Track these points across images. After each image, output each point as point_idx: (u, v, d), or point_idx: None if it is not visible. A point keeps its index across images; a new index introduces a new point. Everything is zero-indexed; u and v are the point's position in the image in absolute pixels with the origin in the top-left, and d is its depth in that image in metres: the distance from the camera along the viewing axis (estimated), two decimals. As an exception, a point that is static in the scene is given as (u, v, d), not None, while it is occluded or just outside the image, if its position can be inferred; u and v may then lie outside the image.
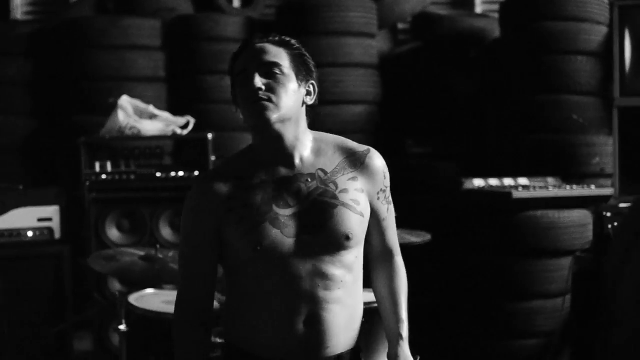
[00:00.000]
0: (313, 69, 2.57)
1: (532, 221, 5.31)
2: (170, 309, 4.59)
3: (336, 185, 2.52)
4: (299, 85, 2.51)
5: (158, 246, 4.48)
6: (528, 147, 6.10)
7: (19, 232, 5.36)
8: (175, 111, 6.13)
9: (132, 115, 5.76)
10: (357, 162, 2.57)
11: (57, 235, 5.45)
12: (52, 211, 5.45)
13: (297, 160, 2.54)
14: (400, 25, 7.61)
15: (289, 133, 2.50)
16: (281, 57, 2.50)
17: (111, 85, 6.37)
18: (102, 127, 5.79)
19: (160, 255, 4.38)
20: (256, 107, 2.45)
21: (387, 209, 2.63)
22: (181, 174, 5.63)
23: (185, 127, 5.84)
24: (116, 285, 5.53)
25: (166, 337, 4.48)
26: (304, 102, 2.53)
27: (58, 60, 6.68)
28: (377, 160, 2.59)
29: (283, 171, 2.53)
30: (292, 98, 2.47)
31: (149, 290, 4.95)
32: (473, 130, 6.78)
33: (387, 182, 2.61)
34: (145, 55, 6.58)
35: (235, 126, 6.53)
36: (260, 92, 2.45)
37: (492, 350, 5.50)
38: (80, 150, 5.56)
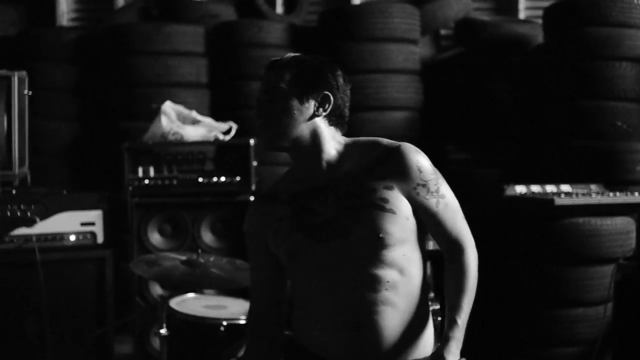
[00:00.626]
0: (327, 79, 2.60)
1: (575, 228, 5.26)
2: (211, 313, 4.67)
3: (363, 187, 2.55)
4: (303, 101, 2.57)
5: (199, 251, 4.51)
6: (571, 153, 6.05)
7: (62, 236, 5.41)
8: (218, 117, 6.17)
9: (175, 120, 5.81)
10: (386, 160, 2.58)
11: (100, 239, 5.49)
12: (95, 215, 5.48)
13: (324, 169, 2.62)
14: (443, 31, 7.58)
15: (306, 147, 2.60)
16: (282, 80, 2.58)
17: (154, 91, 6.44)
18: (145, 132, 5.84)
19: (202, 260, 4.40)
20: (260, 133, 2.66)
21: (436, 203, 2.58)
22: (223, 179, 5.67)
23: (227, 132, 5.87)
24: (157, 290, 5.58)
25: (206, 342, 4.55)
26: (315, 115, 2.59)
27: (102, 66, 6.76)
28: (408, 156, 2.57)
29: (313, 182, 2.63)
30: (289, 115, 2.56)
31: (190, 295, 4.99)
32: (515, 136, 6.75)
33: (427, 176, 2.57)
34: (188, 61, 6.63)
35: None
36: (258, 124, 2.63)
37: (533, 358, 5.46)
38: (124, 155, 5.60)
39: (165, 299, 4.52)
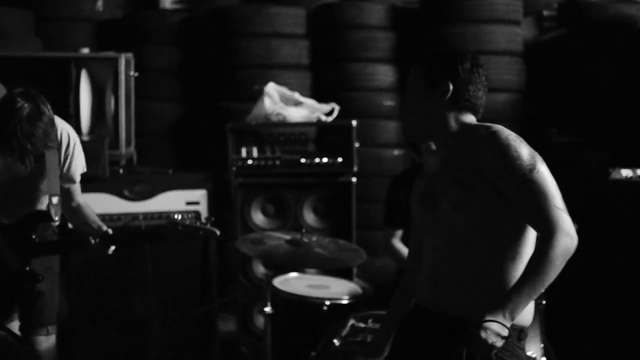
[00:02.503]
0: (450, 71, 2.89)
1: (682, 212, 5.16)
2: (314, 292, 4.71)
3: (457, 167, 2.81)
4: (428, 93, 2.89)
5: (304, 230, 4.55)
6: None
7: (168, 215, 5.51)
8: (320, 98, 6.19)
9: (278, 102, 5.86)
10: (480, 143, 2.77)
11: (204, 218, 5.58)
12: (199, 195, 5.58)
13: (441, 151, 2.94)
14: (546, 12, 7.46)
15: (427, 131, 2.96)
16: (416, 76, 2.94)
17: (256, 72, 6.49)
18: (247, 113, 5.90)
19: (305, 240, 4.45)
20: None
21: (519, 188, 2.68)
22: (325, 160, 5.70)
23: (329, 114, 5.90)
24: (260, 269, 5.65)
25: (309, 321, 4.59)
26: (442, 105, 2.88)
27: (206, 48, 6.84)
28: (499, 140, 2.74)
29: (435, 161, 2.98)
30: (418, 106, 2.91)
31: (293, 274, 5.04)
32: (620, 119, 6.61)
33: (515, 160, 2.69)
34: (290, 42, 6.67)
35: (379, 113, 6.57)
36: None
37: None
38: (227, 136, 5.68)
39: (269, 278, 4.58)
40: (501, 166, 2.69)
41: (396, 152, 6.56)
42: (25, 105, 3.74)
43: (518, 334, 2.77)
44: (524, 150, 2.70)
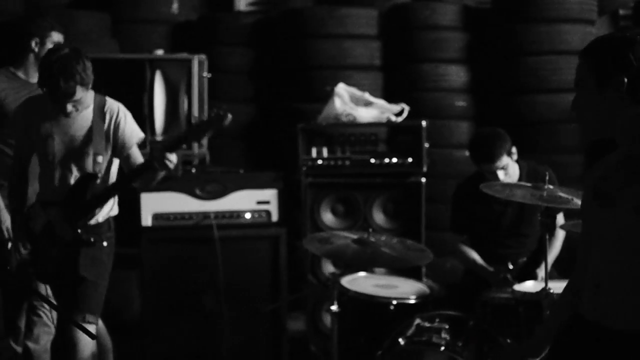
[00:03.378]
0: (621, 62, 2.56)
1: None
2: (381, 292, 4.72)
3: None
4: (599, 89, 2.59)
5: (370, 230, 4.57)
6: None
7: (238, 214, 5.59)
8: (390, 99, 6.20)
9: (348, 102, 5.88)
10: None
11: (274, 217, 5.64)
12: (270, 194, 5.63)
13: (624, 146, 2.66)
14: (622, 11, 7.35)
15: (604, 131, 2.65)
16: (584, 72, 2.64)
17: (328, 73, 6.53)
18: (318, 113, 5.94)
19: (373, 239, 4.46)
20: None
21: None
22: (394, 160, 5.71)
23: (399, 114, 5.90)
24: (329, 268, 5.68)
25: (376, 320, 4.60)
26: (612, 99, 2.58)
27: (278, 49, 6.90)
28: None
29: (607, 157, 2.75)
30: (592, 106, 2.62)
31: (361, 274, 5.06)
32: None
33: None
34: (362, 44, 6.69)
35: (451, 114, 6.56)
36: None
37: None
38: (298, 136, 5.73)
39: (336, 277, 4.60)
40: None
41: (468, 153, 6.53)
42: (66, 49, 4.18)
43: None
44: None
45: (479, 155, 4.91)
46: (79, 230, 4.30)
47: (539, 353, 2.97)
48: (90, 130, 4.32)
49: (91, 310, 4.39)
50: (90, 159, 4.32)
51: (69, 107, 4.23)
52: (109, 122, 4.34)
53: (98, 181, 4.33)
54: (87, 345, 4.39)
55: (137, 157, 4.42)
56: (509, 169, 4.87)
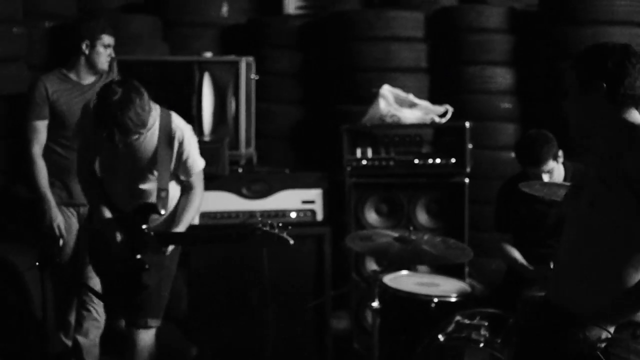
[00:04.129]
0: (601, 66, 2.82)
1: None
2: (422, 290, 4.78)
3: (603, 164, 2.84)
4: (582, 93, 2.84)
5: (411, 228, 4.63)
6: None
7: (284, 213, 5.67)
8: (435, 100, 6.26)
9: (392, 103, 5.95)
10: (631, 146, 2.77)
11: (319, 217, 5.72)
12: (315, 194, 5.72)
13: (600, 147, 2.90)
14: (671, 14, 7.31)
15: (588, 132, 2.92)
16: (571, 79, 2.91)
17: (374, 75, 6.57)
18: (363, 115, 6.01)
19: (414, 237, 4.53)
20: None
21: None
22: (438, 161, 5.76)
23: (443, 115, 5.95)
24: (373, 266, 5.75)
25: (417, 317, 4.66)
26: (593, 102, 2.83)
27: (326, 52, 6.98)
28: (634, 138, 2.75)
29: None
30: (577, 109, 2.89)
31: (404, 272, 5.12)
32: None
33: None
34: (408, 46, 6.73)
35: (496, 116, 6.58)
36: None
37: None
38: (343, 137, 5.81)
39: (377, 274, 4.68)
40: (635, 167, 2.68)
41: (513, 154, 6.55)
42: (118, 89, 4.03)
43: (633, 330, 2.76)
44: None
45: (526, 157, 4.93)
46: (138, 256, 4.33)
47: None
48: (155, 153, 4.31)
49: (153, 314, 4.52)
50: (152, 179, 4.35)
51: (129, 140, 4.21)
52: (175, 149, 4.34)
53: (160, 213, 4.34)
54: (146, 346, 4.53)
55: (196, 186, 4.47)
56: (554, 172, 4.89)
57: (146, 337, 4.53)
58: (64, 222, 5.08)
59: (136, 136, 4.17)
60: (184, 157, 4.38)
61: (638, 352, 2.77)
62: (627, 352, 2.75)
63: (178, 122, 4.39)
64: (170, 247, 4.36)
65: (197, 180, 4.49)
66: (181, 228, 4.38)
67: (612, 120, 2.83)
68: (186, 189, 4.48)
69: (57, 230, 5.04)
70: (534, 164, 4.85)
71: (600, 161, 2.83)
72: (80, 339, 5.10)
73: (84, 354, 5.09)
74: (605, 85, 2.79)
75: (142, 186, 4.37)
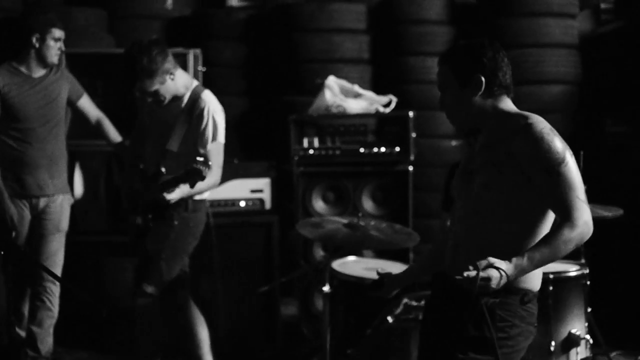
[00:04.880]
0: (475, 63, 3.05)
1: None
2: (370, 274, 4.90)
3: (492, 150, 3.01)
4: (463, 88, 3.05)
5: (360, 214, 4.77)
6: None
7: (233, 202, 5.76)
8: (379, 91, 6.40)
9: (338, 94, 6.07)
10: (517, 133, 2.95)
11: (268, 205, 5.81)
12: (263, 183, 5.81)
13: (481, 136, 3.13)
14: (603, 5, 7.55)
15: (473, 122, 3.11)
16: (446, 76, 3.10)
17: (318, 66, 6.71)
18: (309, 105, 6.12)
19: (362, 223, 4.66)
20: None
21: (547, 179, 2.88)
22: (383, 149, 5.90)
23: (387, 105, 6.09)
24: (320, 252, 5.87)
25: (365, 301, 4.79)
26: (474, 96, 3.05)
27: (270, 44, 7.08)
28: (535, 131, 2.93)
29: (475, 143, 3.16)
30: (459, 103, 3.07)
31: (351, 258, 5.24)
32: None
33: (548, 151, 2.88)
34: (351, 37, 6.88)
35: (435, 105, 6.70)
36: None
37: None
38: (290, 127, 5.92)
39: (327, 259, 4.79)
40: (533, 156, 2.89)
41: (454, 142, 6.74)
42: (145, 41, 4.66)
43: (522, 297, 2.98)
44: (556, 144, 2.89)
45: None
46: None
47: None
48: (172, 128, 4.67)
49: (149, 280, 4.75)
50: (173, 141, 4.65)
51: (150, 99, 4.63)
52: (195, 115, 4.66)
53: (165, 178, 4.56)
54: (144, 313, 4.77)
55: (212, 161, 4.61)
56: None
57: (143, 303, 4.73)
58: (17, 214, 5.10)
59: (153, 87, 4.56)
60: (201, 126, 4.61)
61: (523, 317, 2.99)
62: (512, 316, 2.96)
63: (208, 97, 4.72)
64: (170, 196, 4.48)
65: (213, 155, 4.64)
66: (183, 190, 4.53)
67: (494, 110, 3.07)
68: None
69: (9, 222, 5.07)
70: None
71: (488, 148, 3.03)
72: (35, 328, 5.14)
73: (37, 343, 5.13)
74: (483, 78, 3.02)
75: (168, 147, 4.64)
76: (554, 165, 2.87)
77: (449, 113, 3.16)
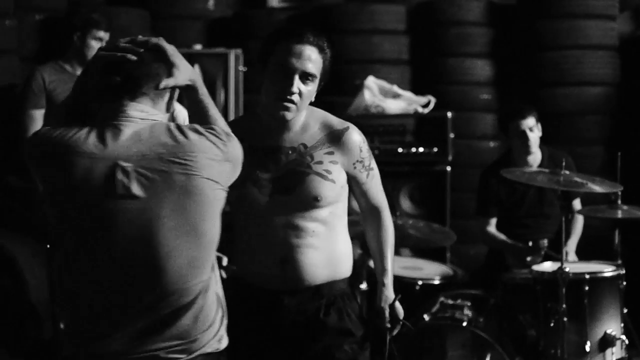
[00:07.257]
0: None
1: None
2: (407, 273, 4.97)
3: (312, 157, 2.96)
4: (317, 87, 3.01)
5: (398, 213, 4.82)
6: None
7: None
8: (417, 91, 6.44)
9: (377, 94, 6.12)
10: (335, 138, 3.02)
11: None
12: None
13: (285, 134, 2.98)
14: (644, 7, 7.54)
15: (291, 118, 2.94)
16: (318, 66, 3.01)
17: (358, 67, 6.75)
18: (347, 106, 6.18)
19: (400, 222, 4.71)
20: (282, 106, 2.89)
21: (367, 175, 3.12)
22: (421, 150, 5.94)
23: (426, 106, 6.13)
24: (357, 251, 5.92)
25: (402, 298, 4.83)
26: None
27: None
28: (354, 137, 3.05)
29: (271, 141, 2.98)
30: (309, 99, 2.98)
31: (388, 256, 5.28)
32: None
33: (364, 154, 3.07)
34: (391, 39, 6.91)
35: (476, 106, 6.78)
36: (293, 96, 2.89)
37: None
38: (328, 128, 5.96)
39: (364, 257, 4.84)
40: (357, 160, 3.06)
41: (492, 143, 6.77)
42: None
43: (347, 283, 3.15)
44: (367, 145, 3.14)
45: (510, 112, 5.16)
46: None
47: None
48: None
49: None
50: None
51: None
52: None
53: None
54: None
55: None
56: (535, 132, 5.06)
57: None
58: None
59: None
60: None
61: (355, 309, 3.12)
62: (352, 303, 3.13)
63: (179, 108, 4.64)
64: None
65: None
66: None
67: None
68: None
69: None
70: (518, 116, 5.05)
71: (294, 155, 3.00)
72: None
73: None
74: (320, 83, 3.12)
75: None
76: (368, 163, 3.13)
77: (299, 105, 2.95)
